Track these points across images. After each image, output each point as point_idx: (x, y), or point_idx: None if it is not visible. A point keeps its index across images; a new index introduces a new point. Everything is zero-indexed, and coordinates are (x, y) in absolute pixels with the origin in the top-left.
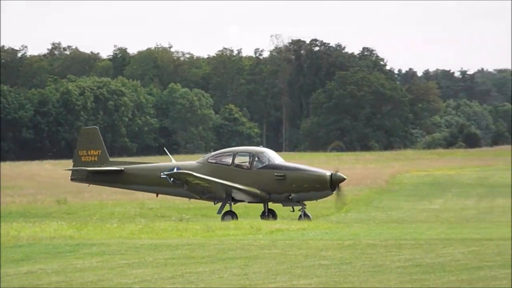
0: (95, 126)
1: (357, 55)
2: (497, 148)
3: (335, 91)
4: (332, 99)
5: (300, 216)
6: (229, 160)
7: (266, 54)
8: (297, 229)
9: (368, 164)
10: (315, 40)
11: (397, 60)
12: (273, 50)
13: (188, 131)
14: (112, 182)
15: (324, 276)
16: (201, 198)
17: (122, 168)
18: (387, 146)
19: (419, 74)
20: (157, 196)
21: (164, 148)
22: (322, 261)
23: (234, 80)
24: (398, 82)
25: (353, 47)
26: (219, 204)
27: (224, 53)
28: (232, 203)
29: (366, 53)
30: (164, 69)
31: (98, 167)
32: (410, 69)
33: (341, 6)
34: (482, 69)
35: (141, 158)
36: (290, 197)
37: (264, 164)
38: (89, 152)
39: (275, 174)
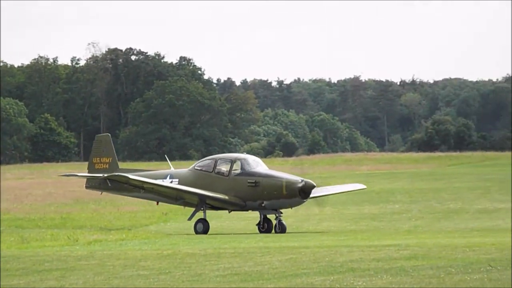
0: (107, 133)
1: (175, 65)
2: (314, 156)
3: (153, 100)
4: (150, 108)
5: (275, 225)
6: (210, 166)
7: (83, 63)
8: (115, 240)
9: None
10: (131, 49)
11: (215, 69)
12: (90, 58)
13: (2, 140)
14: (119, 190)
15: (143, 286)
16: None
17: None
18: (206, 155)
19: (237, 83)
20: (157, 204)
21: (165, 156)
22: (140, 271)
23: (50, 89)
24: (216, 92)
25: (171, 57)
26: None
27: (39, 62)
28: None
29: (183, 62)
30: None
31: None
32: (229, 78)
33: (161, 16)
34: (299, 79)
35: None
36: (263, 205)
37: (241, 171)
38: (101, 159)
39: (248, 181)
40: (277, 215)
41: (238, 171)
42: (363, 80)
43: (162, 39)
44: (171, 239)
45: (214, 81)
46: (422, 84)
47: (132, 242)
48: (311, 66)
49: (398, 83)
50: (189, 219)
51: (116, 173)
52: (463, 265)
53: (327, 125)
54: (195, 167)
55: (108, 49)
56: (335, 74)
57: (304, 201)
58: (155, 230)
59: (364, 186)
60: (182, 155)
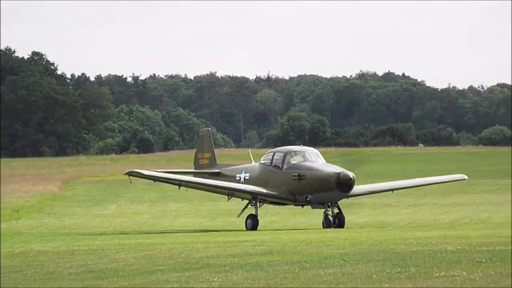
0: (208, 128)
1: (27, 60)
2: (169, 153)
3: (5, 96)
4: (2, 104)
5: (323, 221)
6: (269, 160)
7: None
8: None
9: (41, 170)
10: None
11: (68, 65)
12: None
13: None
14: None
15: None
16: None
17: (219, 171)
18: (60, 152)
19: (92, 79)
20: (242, 200)
21: (249, 150)
22: None
23: None
24: (70, 87)
25: (23, 51)
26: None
27: None
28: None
29: (36, 57)
30: None
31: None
32: (83, 74)
33: (13, 10)
34: (154, 75)
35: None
36: (308, 199)
37: (292, 164)
38: (203, 155)
39: (293, 174)
40: (327, 209)
41: (290, 164)
42: (219, 77)
43: (14, 33)
44: (22, 237)
45: (68, 76)
46: (277, 80)
47: None
48: (167, 62)
49: (254, 80)
50: (239, 215)
51: (132, 170)
52: (317, 260)
53: (183, 121)
54: (260, 162)
55: None
56: (191, 70)
57: (345, 195)
58: (6, 227)
59: (466, 177)
60: (35, 152)
